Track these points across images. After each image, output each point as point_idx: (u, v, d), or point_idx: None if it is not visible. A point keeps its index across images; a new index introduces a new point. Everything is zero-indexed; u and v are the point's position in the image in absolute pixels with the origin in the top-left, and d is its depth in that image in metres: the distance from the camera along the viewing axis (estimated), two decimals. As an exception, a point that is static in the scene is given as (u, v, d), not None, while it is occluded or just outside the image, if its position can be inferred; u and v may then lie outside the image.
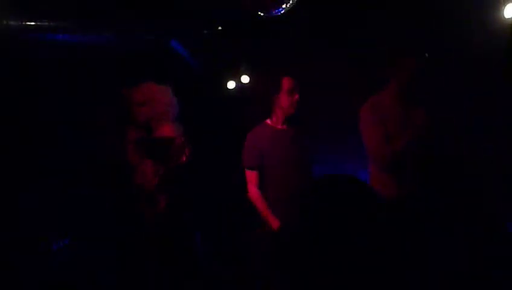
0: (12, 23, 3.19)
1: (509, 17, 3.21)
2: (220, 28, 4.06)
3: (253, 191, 3.01)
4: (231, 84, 4.71)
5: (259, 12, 2.66)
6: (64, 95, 3.67)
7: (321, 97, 4.07)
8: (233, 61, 4.63)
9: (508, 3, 3.19)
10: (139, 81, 2.95)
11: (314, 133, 3.24)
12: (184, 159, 2.79)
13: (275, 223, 2.88)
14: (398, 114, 2.80)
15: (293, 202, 2.20)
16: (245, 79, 4.62)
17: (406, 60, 2.78)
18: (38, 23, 3.30)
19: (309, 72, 4.09)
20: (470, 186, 2.53)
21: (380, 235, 1.16)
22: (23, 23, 3.25)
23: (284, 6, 2.58)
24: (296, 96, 3.00)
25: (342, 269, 1.13)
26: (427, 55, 2.81)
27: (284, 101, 3.01)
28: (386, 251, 1.15)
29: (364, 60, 4.08)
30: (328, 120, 4.00)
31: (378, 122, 2.78)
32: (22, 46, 3.45)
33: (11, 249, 3.07)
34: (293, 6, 2.61)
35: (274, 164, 2.98)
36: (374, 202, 1.20)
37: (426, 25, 3.60)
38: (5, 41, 3.26)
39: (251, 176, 3.03)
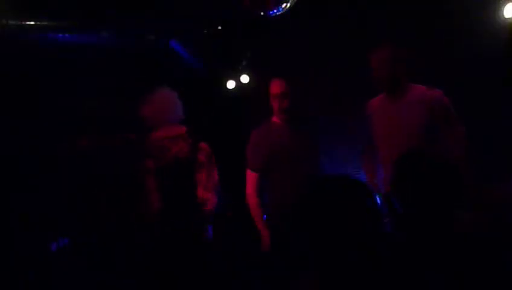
0: (12, 23, 3.19)
1: (509, 17, 3.21)
2: (220, 28, 4.05)
3: (251, 195, 2.94)
4: (231, 84, 4.70)
5: (259, 12, 2.65)
6: (64, 94, 3.67)
7: (324, 96, 4.07)
8: (233, 61, 4.62)
9: (508, 3, 3.19)
10: (152, 88, 3.07)
11: (316, 131, 3.19)
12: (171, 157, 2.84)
13: (265, 232, 2.85)
14: (388, 115, 2.71)
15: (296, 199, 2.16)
16: (245, 79, 4.61)
17: (377, 51, 2.67)
18: (38, 23, 3.30)
19: (309, 71, 4.10)
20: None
21: (376, 235, 1.16)
22: (23, 23, 3.25)
23: (283, 6, 2.57)
24: (285, 102, 2.84)
25: (337, 269, 1.13)
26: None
27: (274, 105, 2.89)
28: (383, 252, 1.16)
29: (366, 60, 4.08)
30: (330, 118, 3.99)
31: (369, 133, 2.78)
32: (22, 46, 3.45)
33: (11, 249, 3.07)
34: (293, 6, 2.61)
35: (279, 160, 2.87)
36: (370, 201, 1.20)
37: (426, 25, 3.61)
38: (5, 42, 3.26)
39: (251, 178, 2.95)
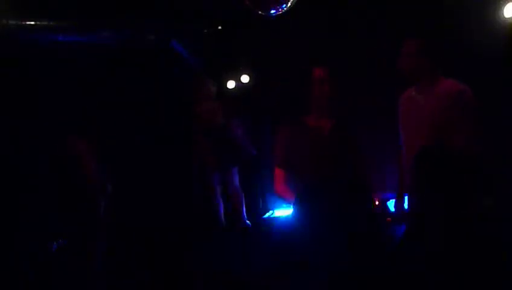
0: (12, 23, 3.18)
1: (509, 17, 3.21)
2: (220, 28, 4.05)
3: (280, 187, 2.76)
4: (231, 84, 4.70)
5: (259, 12, 2.65)
6: (64, 94, 3.67)
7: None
8: (233, 61, 4.62)
9: (508, 3, 3.19)
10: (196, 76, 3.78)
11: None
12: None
13: None
14: (412, 107, 2.69)
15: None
16: (245, 79, 4.61)
17: (403, 44, 2.67)
18: (38, 23, 3.30)
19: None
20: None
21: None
22: (23, 23, 3.25)
23: (283, 6, 2.57)
24: (326, 88, 2.73)
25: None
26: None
27: (315, 91, 2.74)
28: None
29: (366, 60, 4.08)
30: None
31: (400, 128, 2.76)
32: (22, 46, 3.45)
33: (11, 249, 3.07)
34: (293, 6, 2.60)
35: (306, 163, 2.69)
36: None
37: (426, 25, 3.60)
38: (5, 41, 3.26)
39: (279, 173, 2.78)
